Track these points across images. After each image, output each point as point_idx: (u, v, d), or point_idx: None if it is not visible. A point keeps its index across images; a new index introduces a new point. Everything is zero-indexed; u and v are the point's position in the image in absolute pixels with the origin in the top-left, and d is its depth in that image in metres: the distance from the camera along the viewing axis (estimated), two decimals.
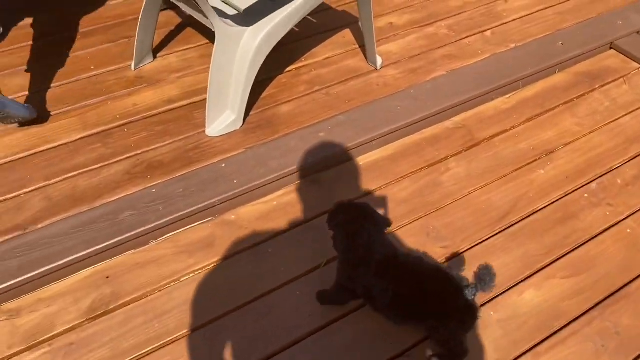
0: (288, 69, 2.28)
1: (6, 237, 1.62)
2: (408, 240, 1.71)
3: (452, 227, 1.77)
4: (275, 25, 1.86)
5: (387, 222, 1.40)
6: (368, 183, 1.89)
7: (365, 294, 1.43)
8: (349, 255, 1.36)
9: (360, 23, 2.19)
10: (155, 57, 2.29)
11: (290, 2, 1.87)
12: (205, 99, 2.07)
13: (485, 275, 1.29)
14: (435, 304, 1.34)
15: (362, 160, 1.97)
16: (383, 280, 1.36)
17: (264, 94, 2.15)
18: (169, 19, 2.49)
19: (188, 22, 2.48)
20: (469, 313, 1.35)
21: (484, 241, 1.73)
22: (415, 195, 1.85)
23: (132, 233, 1.62)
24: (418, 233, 1.74)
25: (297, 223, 1.74)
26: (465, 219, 1.79)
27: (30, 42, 2.34)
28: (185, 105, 2.09)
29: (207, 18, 1.78)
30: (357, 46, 2.42)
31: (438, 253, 1.68)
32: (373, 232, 1.33)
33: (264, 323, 1.50)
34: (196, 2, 1.69)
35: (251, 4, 1.91)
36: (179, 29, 2.46)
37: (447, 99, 2.14)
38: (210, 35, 2.40)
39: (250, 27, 1.84)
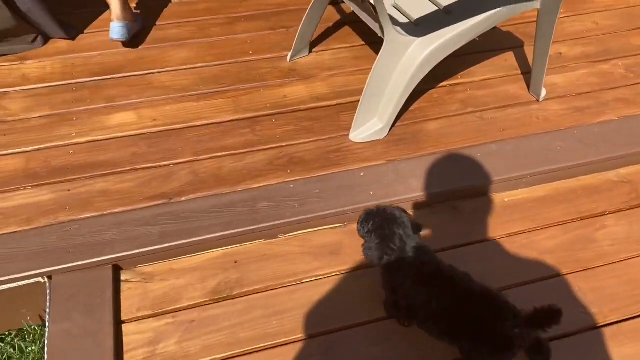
0: (442, 84, 2.18)
1: (152, 203, 1.70)
2: (547, 298, 1.54)
3: (601, 293, 1.57)
4: (446, 41, 1.76)
5: (418, 227, 1.38)
6: (511, 223, 1.74)
7: (409, 307, 1.35)
8: (383, 261, 1.32)
9: (535, 46, 2.01)
10: (310, 51, 2.30)
11: (467, 18, 1.77)
12: (353, 101, 2.05)
13: (542, 316, 1.18)
14: (472, 324, 1.24)
15: (508, 197, 1.82)
16: (425, 289, 1.29)
17: (413, 107, 2.07)
18: (329, 15, 2.49)
19: (347, 20, 2.46)
20: (506, 344, 1.22)
21: (636, 317, 1.53)
22: (563, 248, 1.68)
23: (267, 225, 1.63)
24: (559, 291, 1.57)
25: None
26: (618, 287, 1.59)
27: (198, 18, 2.45)
28: (332, 105, 2.07)
29: (377, 23, 1.74)
30: (520, 72, 2.24)
31: (579, 318, 1.51)
32: (404, 235, 1.31)
33: (379, 350, 1.43)
34: (373, 7, 1.65)
35: (425, 14, 1.83)
36: (336, 27, 2.45)
37: (615, 148, 1.91)
38: (366, 37, 2.36)
39: (420, 39, 1.77)
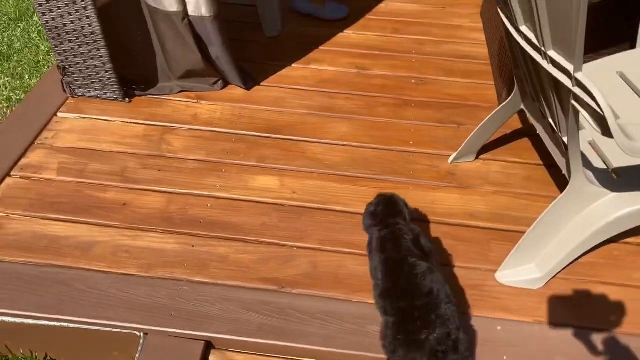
0: (628, 239, 1.78)
1: (263, 286, 1.61)
2: None
3: None
4: None
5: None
6: None
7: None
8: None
9: None
10: (477, 157, 2.07)
11: None
12: (511, 231, 1.78)
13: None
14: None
15: None
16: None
17: (583, 259, 1.71)
18: (510, 120, 2.24)
19: (526, 132, 2.18)
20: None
21: None
22: None
23: (372, 355, 1.44)
24: None
25: None
26: None
27: (369, 93, 2.38)
28: (485, 229, 1.82)
29: (565, 159, 1.46)
30: None
31: None
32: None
33: None
34: (564, 144, 1.39)
35: (629, 164, 1.50)
36: (513, 135, 2.18)
37: None
38: (546, 157, 2.05)
39: (615, 194, 1.45)
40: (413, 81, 2.47)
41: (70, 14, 1.98)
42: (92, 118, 2.19)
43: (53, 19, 2.01)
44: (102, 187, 1.91)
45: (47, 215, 1.80)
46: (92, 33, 2.02)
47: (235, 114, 2.25)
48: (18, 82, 2.83)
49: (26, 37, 3.15)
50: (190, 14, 2.08)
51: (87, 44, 2.06)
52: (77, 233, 1.75)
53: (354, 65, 2.55)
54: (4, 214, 1.80)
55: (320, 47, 2.66)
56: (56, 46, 2.09)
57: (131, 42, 2.22)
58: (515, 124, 2.22)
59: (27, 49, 3.06)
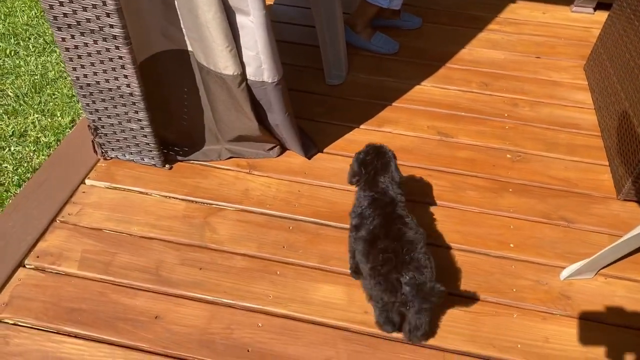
0: None
1: None
2: None
3: None
4: None
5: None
6: None
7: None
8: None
9: None
10: (596, 272, 1.64)
11: None
12: None
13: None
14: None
15: None
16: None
17: None
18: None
19: None
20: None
21: None
22: None
23: None
24: None
25: None
26: None
27: (455, 170, 1.96)
28: None
29: None
30: None
31: None
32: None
33: None
34: None
35: None
36: None
37: None
38: None
39: None
40: (508, 155, 2.03)
41: (105, 71, 1.63)
42: (125, 189, 1.84)
43: (85, 76, 1.66)
44: (132, 290, 1.55)
45: (62, 329, 1.45)
46: (131, 94, 1.67)
47: (293, 191, 1.87)
48: (49, 119, 2.52)
49: (62, 64, 2.85)
50: (248, 77, 1.70)
51: (124, 105, 1.71)
52: (96, 355, 1.40)
53: (436, 130, 2.13)
54: (12, 322, 1.47)
55: (393, 103, 2.25)
56: (87, 104, 1.75)
57: (175, 100, 1.87)
58: None
59: (61, 80, 2.75)
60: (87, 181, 1.86)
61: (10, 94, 2.65)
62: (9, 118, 2.51)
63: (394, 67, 2.45)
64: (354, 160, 1.54)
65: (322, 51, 2.28)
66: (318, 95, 2.29)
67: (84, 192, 1.82)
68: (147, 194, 1.83)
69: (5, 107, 2.57)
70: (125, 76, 1.63)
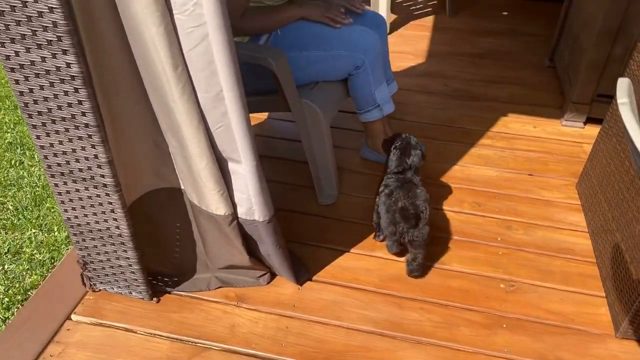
0: None
1: None
2: None
3: None
4: None
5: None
6: None
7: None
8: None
9: None
10: None
11: None
12: None
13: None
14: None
15: None
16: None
17: None
18: None
19: None
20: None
21: None
22: None
23: None
24: None
25: None
26: None
27: (446, 302, 1.93)
28: None
29: None
30: None
31: None
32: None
33: None
34: None
35: None
36: None
37: None
38: None
39: None
40: (502, 285, 2.00)
41: (95, 214, 1.66)
42: (110, 326, 1.81)
43: (76, 217, 1.69)
44: None
45: None
46: (120, 235, 1.69)
47: (281, 327, 1.83)
48: (45, 234, 2.54)
49: None
50: (240, 216, 1.73)
51: (113, 244, 1.73)
52: None
53: (428, 255, 2.11)
54: None
55: None
56: (77, 242, 1.77)
57: (167, 234, 1.88)
58: None
59: None
60: (73, 316, 1.84)
61: (10, 207, 2.70)
62: (6, 233, 2.54)
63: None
64: (396, 156, 2.10)
65: (312, 172, 2.32)
66: (309, 216, 2.31)
67: (68, 329, 1.79)
68: (132, 331, 1.80)
69: (4, 221, 2.61)
70: (115, 219, 1.65)
